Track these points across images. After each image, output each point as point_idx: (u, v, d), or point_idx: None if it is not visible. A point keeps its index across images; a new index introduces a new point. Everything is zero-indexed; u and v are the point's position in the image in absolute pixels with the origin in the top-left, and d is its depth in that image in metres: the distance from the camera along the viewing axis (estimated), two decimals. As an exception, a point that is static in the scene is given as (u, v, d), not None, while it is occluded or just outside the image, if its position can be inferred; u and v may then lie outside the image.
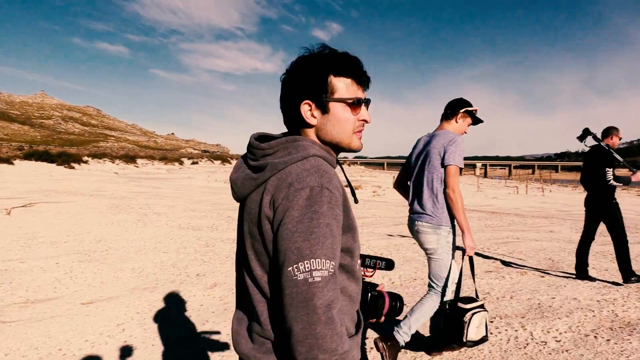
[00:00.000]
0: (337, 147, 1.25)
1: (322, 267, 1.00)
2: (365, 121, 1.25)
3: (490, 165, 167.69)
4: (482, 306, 3.21)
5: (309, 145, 1.16)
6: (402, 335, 3.23)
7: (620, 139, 5.47)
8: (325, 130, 1.21)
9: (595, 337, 3.87)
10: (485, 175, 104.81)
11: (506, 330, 4.03)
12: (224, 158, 76.28)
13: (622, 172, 5.50)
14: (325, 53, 1.21)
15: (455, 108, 3.31)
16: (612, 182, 5.27)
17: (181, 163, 55.79)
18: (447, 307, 3.18)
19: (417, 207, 3.25)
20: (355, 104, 1.21)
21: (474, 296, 3.40)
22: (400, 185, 3.59)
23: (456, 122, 3.31)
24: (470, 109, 3.32)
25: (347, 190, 1.28)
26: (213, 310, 4.63)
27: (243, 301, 1.26)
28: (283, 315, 1.02)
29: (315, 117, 1.20)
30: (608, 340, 3.79)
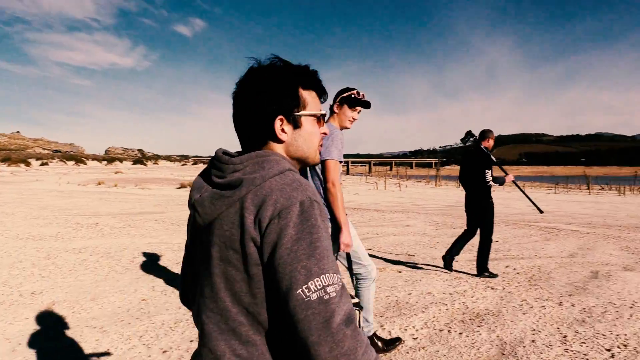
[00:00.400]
0: (303, 163, 1.22)
1: (333, 282, 0.96)
2: (325, 134, 1.24)
3: (352, 162, 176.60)
4: (357, 304, 3.08)
5: (281, 160, 1.11)
6: (367, 328, 3.42)
7: (494, 141, 5.87)
8: (296, 145, 1.17)
9: (449, 331, 3.95)
10: (347, 172, 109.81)
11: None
12: (77, 159, 70.77)
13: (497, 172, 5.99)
14: (291, 65, 1.16)
15: (333, 100, 3.28)
16: (490, 182, 5.65)
17: (28, 164, 51.20)
18: None
19: None
20: (321, 118, 1.20)
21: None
22: None
23: (337, 113, 3.27)
24: (344, 95, 3.23)
25: None
26: (51, 335, 3.87)
27: (208, 340, 1.11)
28: (302, 344, 0.94)
29: (286, 133, 1.15)
30: (460, 333, 3.90)
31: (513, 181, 5.88)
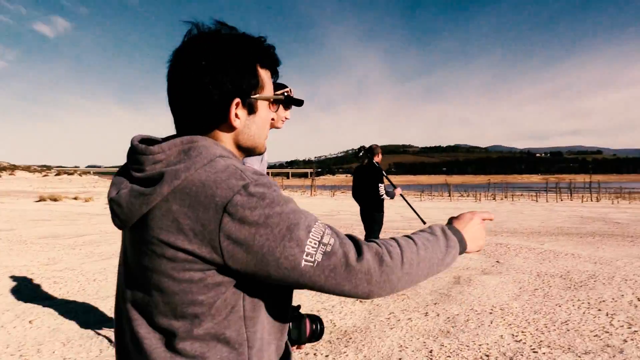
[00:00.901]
0: (250, 153, 1.06)
1: (323, 231, 0.88)
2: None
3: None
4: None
5: (212, 146, 0.92)
6: None
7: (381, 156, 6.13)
8: (247, 134, 1.01)
9: (315, 354, 3.63)
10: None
11: None
12: None
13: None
14: (247, 36, 0.97)
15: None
16: (384, 196, 5.90)
17: None
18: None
19: None
20: (279, 102, 1.07)
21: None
22: None
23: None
24: (278, 92, 2.78)
25: None
26: None
27: None
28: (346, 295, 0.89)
29: (239, 119, 0.98)
30: (327, 356, 3.58)
31: (401, 194, 6.18)
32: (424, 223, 6.00)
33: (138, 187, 0.89)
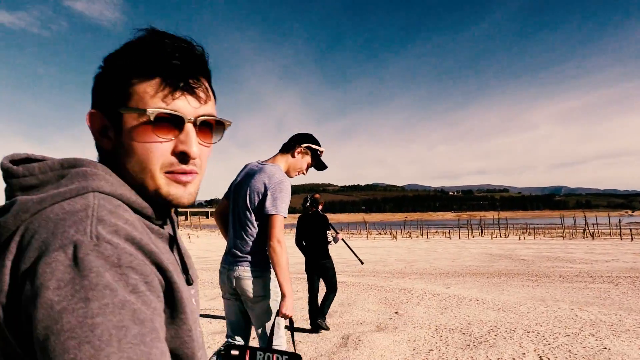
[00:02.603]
0: (151, 199, 0.75)
1: None
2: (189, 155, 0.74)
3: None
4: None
5: (92, 174, 0.69)
6: None
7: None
8: (123, 162, 0.75)
9: None
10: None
11: None
12: None
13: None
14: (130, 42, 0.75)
15: (297, 140, 2.84)
16: (332, 242, 6.23)
17: None
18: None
19: (235, 249, 2.69)
20: (160, 121, 0.73)
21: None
22: (220, 215, 3.03)
23: (293, 156, 2.83)
24: (314, 146, 2.86)
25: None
26: None
27: None
28: None
29: (106, 138, 0.76)
30: None
31: (342, 239, 6.68)
32: (362, 263, 7.15)
33: None
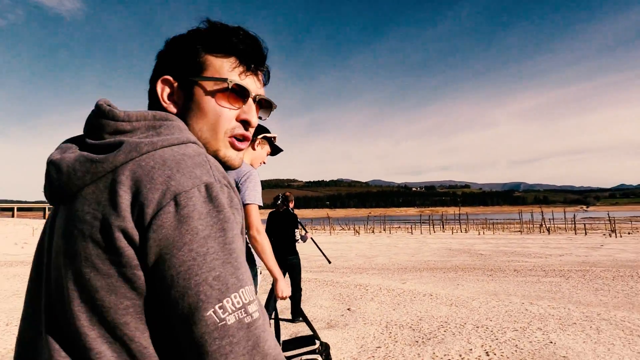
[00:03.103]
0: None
1: (253, 299, 0.70)
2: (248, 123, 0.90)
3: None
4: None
5: (184, 128, 0.83)
6: None
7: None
8: (193, 125, 0.87)
9: None
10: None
11: None
12: None
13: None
14: (207, 24, 0.90)
15: (255, 134, 2.92)
16: (300, 240, 6.38)
17: None
18: None
19: None
20: (232, 92, 0.88)
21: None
22: None
23: (254, 149, 2.95)
24: (269, 135, 3.02)
25: None
26: None
27: None
28: None
29: (172, 102, 0.88)
30: None
31: (311, 238, 6.82)
32: (329, 262, 7.09)
33: (88, 153, 0.76)
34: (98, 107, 0.81)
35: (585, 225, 36.17)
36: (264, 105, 0.96)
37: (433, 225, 43.71)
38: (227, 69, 0.87)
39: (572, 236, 28.74)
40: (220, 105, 0.86)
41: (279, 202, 6.33)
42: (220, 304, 0.65)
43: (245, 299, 0.68)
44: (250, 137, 0.92)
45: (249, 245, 2.75)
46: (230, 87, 0.85)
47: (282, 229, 6.19)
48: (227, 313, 0.65)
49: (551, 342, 4.59)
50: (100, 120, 0.79)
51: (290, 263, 6.06)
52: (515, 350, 4.36)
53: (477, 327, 5.25)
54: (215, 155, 0.87)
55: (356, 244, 24.88)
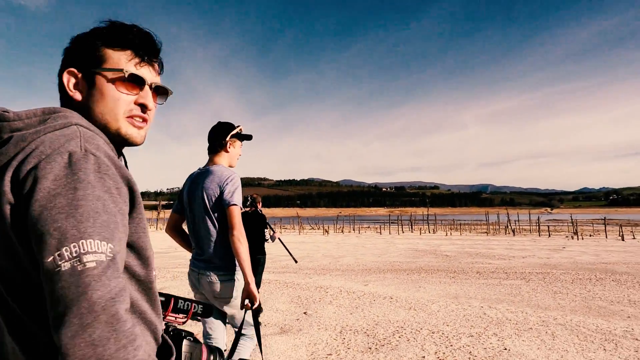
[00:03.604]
0: (112, 137, 1.03)
1: (96, 250, 0.77)
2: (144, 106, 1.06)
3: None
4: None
5: (71, 115, 0.96)
6: None
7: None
8: (95, 109, 1.02)
9: None
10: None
11: None
12: None
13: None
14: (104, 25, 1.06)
15: (223, 135, 2.86)
16: (269, 240, 6.60)
17: None
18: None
19: (204, 256, 2.73)
20: (129, 80, 1.04)
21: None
22: (174, 230, 3.02)
23: (227, 151, 2.89)
24: (235, 132, 2.89)
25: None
26: None
27: None
28: (52, 328, 0.74)
29: (77, 91, 1.03)
30: None
31: (279, 238, 7.02)
32: (296, 262, 7.63)
33: None
34: None
35: (549, 227, 36.98)
36: (160, 91, 1.12)
37: (402, 225, 43.98)
38: (124, 60, 1.03)
39: (536, 238, 29.31)
40: (119, 91, 1.02)
41: (248, 203, 6.57)
42: (59, 252, 0.75)
43: (83, 249, 0.76)
44: (148, 119, 1.07)
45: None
46: (126, 76, 1.02)
47: (251, 229, 6.23)
48: (63, 260, 0.75)
49: (505, 349, 4.50)
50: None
51: (258, 260, 6.17)
52: (469, 358, 4.24)
53: (433, 333, 5.13)
54: (118, 134, 1.02)
55: (324, 244, 24.72)
